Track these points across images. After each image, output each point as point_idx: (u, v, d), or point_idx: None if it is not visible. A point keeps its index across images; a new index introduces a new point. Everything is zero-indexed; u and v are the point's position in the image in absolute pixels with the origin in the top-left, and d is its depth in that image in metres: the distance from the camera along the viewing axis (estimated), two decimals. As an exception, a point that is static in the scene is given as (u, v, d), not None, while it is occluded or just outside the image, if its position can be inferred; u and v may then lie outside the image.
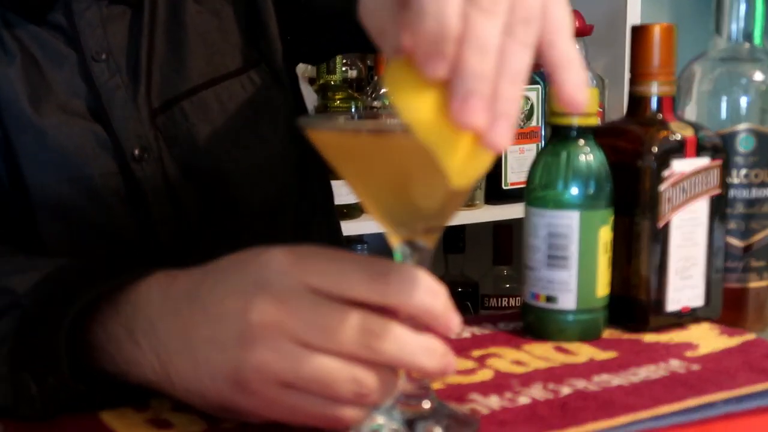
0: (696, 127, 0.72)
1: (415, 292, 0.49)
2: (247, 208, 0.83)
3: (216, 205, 0.81)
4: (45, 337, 0.54)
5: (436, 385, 0.57)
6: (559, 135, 0.70)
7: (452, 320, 0.50)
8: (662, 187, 0.70)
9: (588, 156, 0.69)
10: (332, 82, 1.65)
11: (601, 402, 0.58)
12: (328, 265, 0.50)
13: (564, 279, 0.70)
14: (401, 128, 0.45)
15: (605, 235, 0.70)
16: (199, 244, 0.80)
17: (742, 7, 0.78)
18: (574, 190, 0.69)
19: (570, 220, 0.69)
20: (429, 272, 0.52)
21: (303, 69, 1.69)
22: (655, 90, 0.72)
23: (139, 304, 0.54)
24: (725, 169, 0.73)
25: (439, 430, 0.53)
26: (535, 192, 0.70)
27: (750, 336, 0.71)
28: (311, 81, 1.72)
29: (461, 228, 1.84)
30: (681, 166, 0.71)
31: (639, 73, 0.73)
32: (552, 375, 0.63)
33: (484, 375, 0.63)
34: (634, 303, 0.72)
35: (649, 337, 0.71)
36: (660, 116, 0.73)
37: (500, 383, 0.61)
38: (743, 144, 0.76)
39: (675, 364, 0.65)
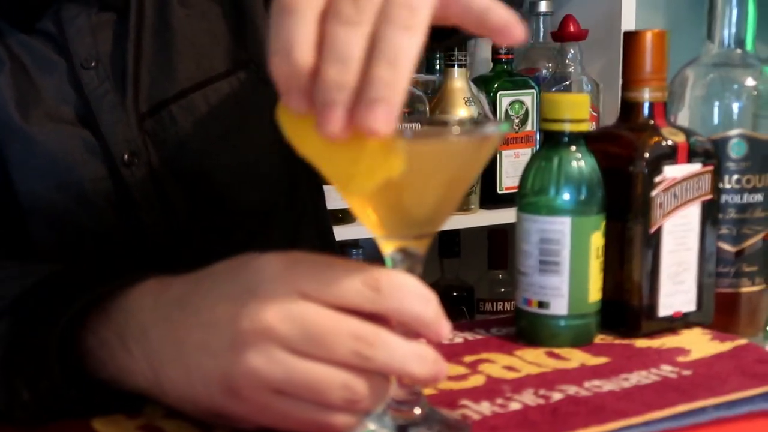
0: (688, 132, 0.73)
1: (406, 299, 0.49)
2: (237, 208, 0.83)
3: (206, 206, 0.81)
4: (37, 342, 0.54)
5: (428, 391, 0.57)
6: (550, 141, 0.71)
7: (443, 327, 0.50)
8: (654, 192, 0.71)
9: (580, 162, 0.70)
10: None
11: (593, 407, 0.58)
12: (320, 271, 0.50)
13: (556, 284, 0.70)
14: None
15: (597, 240, 0.70)
16: (190, 246, 0.80)
17: (734, 13, 0.78)
18: (566, 196, 0.69)
19: (562, 226, 0.69)
20: (420, 278, 0.52)
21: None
22: (647, 96, 0.73)
23: (131, 311, 0.54)
24: (717, 175, 0.74)
25: (430, 436, 0.53)
26: (527, 198, 0.71)
27: (742, 341, 0.71)
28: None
29: (456, 232, 1.84)
30: (673, 171, 0.71)
31: (631, 79, 0.73)
32: (544, 380, 0.63)
33: (476, 381, 0.63)
34: (626, 308, 0.72)
35: (641, 343, 0.71)
36: (652, 122, 0.73)
37: (492, 389, 0.61)
38: (735, 149, 0.76)
39: (667, 370, 0.65)
